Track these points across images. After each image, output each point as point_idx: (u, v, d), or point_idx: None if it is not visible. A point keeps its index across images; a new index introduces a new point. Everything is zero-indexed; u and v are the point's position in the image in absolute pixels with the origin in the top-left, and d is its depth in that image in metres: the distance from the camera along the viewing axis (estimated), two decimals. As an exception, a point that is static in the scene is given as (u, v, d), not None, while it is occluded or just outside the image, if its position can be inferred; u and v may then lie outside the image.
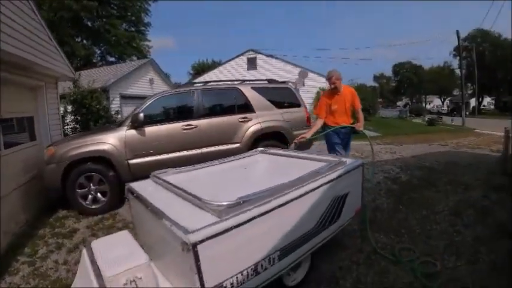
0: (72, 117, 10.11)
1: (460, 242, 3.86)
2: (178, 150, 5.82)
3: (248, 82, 7.07)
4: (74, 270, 3.51)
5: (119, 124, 5.94)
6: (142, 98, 17.12)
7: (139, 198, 2.72)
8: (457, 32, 26.56)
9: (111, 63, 27.57)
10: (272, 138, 6.50)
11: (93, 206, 5.49)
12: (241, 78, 13.17)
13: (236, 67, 23.37)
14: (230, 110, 6.46)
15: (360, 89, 17.78)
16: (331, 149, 5.19)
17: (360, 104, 5.25)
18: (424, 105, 55.80)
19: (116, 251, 2.37)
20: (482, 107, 51.35)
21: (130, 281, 2.10)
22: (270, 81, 7.39)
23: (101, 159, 5.45)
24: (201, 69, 44.71)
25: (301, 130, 6.89)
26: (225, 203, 2.12)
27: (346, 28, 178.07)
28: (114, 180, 5.52)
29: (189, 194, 2.43)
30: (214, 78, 22.06)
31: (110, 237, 2.81)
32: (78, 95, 9.71)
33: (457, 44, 29.30)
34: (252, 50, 22.82)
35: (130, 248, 2.41)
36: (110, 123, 10.12)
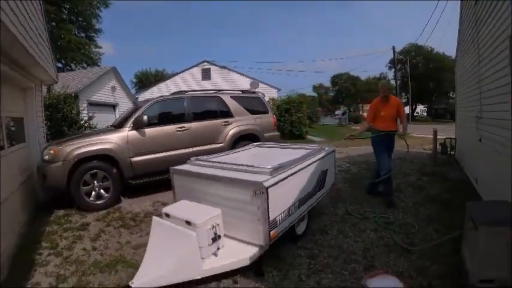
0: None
1: (404, 206, 5.54)
2: (174, 149, 6.86)
3: (227, 91, 8.35)
4: (107, 254, 4.20)
5: (119, 126, 6.76)
6: (106, 105, 17.61)
7: (194, 174, 3.88)
8: (393, 48, 30.37)
9: (59, 69, 26.71)
10: (248, 139, 7.81)
11: (97, 202, 6.06)
12: (198, 89, 14.19)
13: (190, 77, 24.32)
14: (214, 115, 7.72)
15: (302, 98, 19.67)
16: (377, 156, 5.84)
17: (404, 112, 5.96)
18: (361, 113, 59.91)
19: (191, 210, 3.46)
20: (415, 114, 56.46)
21: (213, 226, 3.23)
22: (243, 91, 8.78)
23: (106, 157, 6.16)
24: (144, 78, 44.08)
25: (270, 132, 8.42)
26: (270, 167, 3.44)
27: (294, 41, 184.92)
28: (117, 176, 6.26)
29: (243, 165, 3.73)
30: (171, 88, 22.95)
31: (176, 204, 3.84)
32: (54, 100, 10.02)
33: (392, 57, 32.83)
34: (207, 61, 24.07)
35: (200, 207, 3.54)
36: (82, 128, 10.58)
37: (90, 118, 11.50)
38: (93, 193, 6.07)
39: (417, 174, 7.77)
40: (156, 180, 6.68)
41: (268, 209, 3.13)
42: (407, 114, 50.74)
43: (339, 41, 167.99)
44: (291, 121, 17.82)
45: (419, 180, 7.12)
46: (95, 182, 6.07)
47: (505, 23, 3.94)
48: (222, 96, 7.97)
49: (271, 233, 3.23)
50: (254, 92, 9.13)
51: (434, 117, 49.35)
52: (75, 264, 3.95)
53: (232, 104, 7.95)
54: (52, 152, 5.83)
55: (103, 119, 14.07)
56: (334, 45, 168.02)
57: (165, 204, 6.12)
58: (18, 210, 5.09)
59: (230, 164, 3.93)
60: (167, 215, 3.46)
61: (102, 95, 17.48)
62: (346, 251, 3.97)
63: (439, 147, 10.06)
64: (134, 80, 48.33)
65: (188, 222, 3.19)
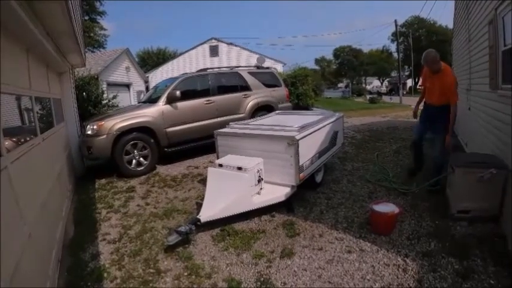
0: None
1: (402, 163, 6.62)
2: (202, 120, 7.91)
3: (244, 67, 9.35)
4: (160, 207, 5.05)
5: (154, 100, 7.72)
6: (121, 85, 18.60)
7: (237, 134, 4.96)
8: (395, 21, 31.00)
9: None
10: (264, 109, 8.95)
11: (138, 169, 6.98)
12: (207, 66, 15.05)
13: (200, 55, 25.23)
14: (235, 89, 8.78)
15: (307, 71, 20.35)
16: (415, 125, 5.55)
17: (455, 98, 4.59)
18: (364, 86, 60.32)
19: (239, 160, 4.50)
20: (418, 86, 56.89)
21: (258, 170, 4.35)
22: (258, 67, 9.79)
23: (144, 129, 7.07)
24: (146, 57, 44.38)
25: (283, 103, 9.52)
26: (298, 126, 4.53)
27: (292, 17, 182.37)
28: (154, 145, 7.21)
29: (275, 125, 4.86)
30: (180, 66, 23.88)
31: (225, 157, 4.84)
32: (80, 81, 10.75)
33: (395, 30, 33.41)
34: (214, 38, 24.90)
35: (245, 158, 4.60)
36: (105, 107, 11.51)
37: (114, 97, 12.38)
38: (134, 161, 6.96)
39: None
40: (186, 148, 7.78)
41: (298, 156, 4.23)
42: (410, 87, 51.44)
43: (342, 15, 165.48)
44: (297, 94, 18.54)
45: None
46: (135, 151, 6.95)
47: (487, 9, 4.86)
48: (241, 72, 9.03)
49: (300, 175, 4.36)
50: (268, 68, 10.17)
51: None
52: (135, 216, 4.76)
53: (250, 79, 9.02)
54: (96, 127, 6.65)
55: (120, 98, 15.00)
56: (338, 18, 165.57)
57: (197, 167, 7.29)
58: (67, 180, 5.76)
59: (264, 125, 5.09)
60: (220, 165, 4.50)
61: (117, 75, 18.60)
62: (355, 194, 5.10)
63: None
64: (136, 60, 48.63)
65: (240, 168, 4.24)
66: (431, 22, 49.74)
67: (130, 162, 6.95)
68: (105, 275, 3.33)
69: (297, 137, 4.23)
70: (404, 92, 35.12)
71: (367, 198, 4.89)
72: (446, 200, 4.33)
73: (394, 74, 58.02)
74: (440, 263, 3.13)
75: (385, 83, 63.00)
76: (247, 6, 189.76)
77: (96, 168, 7.52)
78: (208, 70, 8.79)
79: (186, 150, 7.84)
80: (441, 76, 4.65)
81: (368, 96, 36.30)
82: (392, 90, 47.95)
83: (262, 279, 3.08)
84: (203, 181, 5.79)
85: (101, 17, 31.55)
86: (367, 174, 5.97)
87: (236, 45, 24.88)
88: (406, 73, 55.13)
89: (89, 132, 6.74)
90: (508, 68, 4.01)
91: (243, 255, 3.52)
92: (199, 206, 4.56)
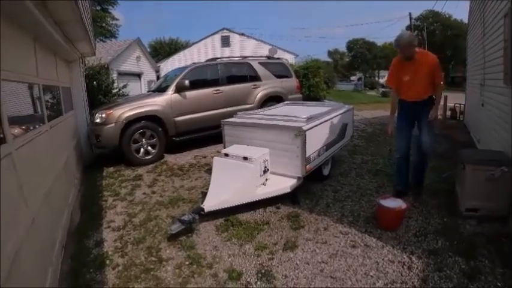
0: None
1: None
2: (210, 110, 7.86)
3: (254, 58, 9.29)
4: (166, 195, 5.05)
5: (163, 90, 7.71)
6: (132, 74, 18.69)
7: (245, 123, 4.92)
8: (410, 14, 30.54)
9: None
10: (274, 100, 8.79)
11: (146, 157, 6.99)
12: (218, 56, 14.97)
13: (210, 45, 25.24)
14: (244, 79, 8.70)
15: (319, 63, 20.10)
16: (397, 134, 4.49)
17: (441, 78, 4.15)
18: (377, 79, 59.40)
19: (245, 150, 4.46)
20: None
21: (264, 160, 4.29)
22: (269, 57, 9.70)
23: (153, 117, 7.07)
24: (158, 47, 44.29)
25: (294, 95, 9.39)
26: (305, 117, 4.45)
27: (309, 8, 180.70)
28: (162, 134, 7.21)
29: (283, 115, 4.78)
30: (192, 56, 23.90)
31: (231, 147, 4.80)
32: (90, 70, 10.70)
33: (409, 23, 32.86)
34: (226, 29, 24.86)
35: (251, 148, 4.55)
36: (115, 96, 11.52)
37: (124, 86, 12.41)
38: (142, 150, 6.98)
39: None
40: (195, 138, 7.76)
41: (305, 147, 4.17)
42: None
43: (342, 15, 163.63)
44: (309, 85, 18.39)
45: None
46: (143, 140, 6.97)
47: (503, 2, 4.69)
48: (251, 62, 8.95)
49: (307, 166, 4.30)
50: (279, 58, 10.05)
51: (450, 86, 49.11)
52: (140, 205, 4.77)
53: (260, 69, 8.93)
54: (104, 115, 6.67)
55: (130, 87, 15.05)
56: (338, 19, 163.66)
57: (204, 157, 7.26)
58: (74, 168, 5.80)
59: (271, 115, 5.03)
60: (226, 155, 4.47)
61: (128, 65, 18.75)
62: (362, 188, 5.01)
63: (448, 112, 10.89)
64: (148, 50, 48.56)
65: (245, 158, 4.20)
66: (446, 16, 48.74)
67: (138, 151, 6.96)
68: (108, 262, 3.34)
69: (304, 128, 4.17)
70: (418, 86, 34.45)
71: (374, 192, 4.80)
72: (456, 197, 4.22)
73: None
74: (446, 262, 3.04)
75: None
76: (247, 6, 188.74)
77: (105, 156, 7.56)
78: (217, 60, 8.74)
79: (194, 140, 7.81)
80: (419, 60, 4.03)
81: (380, 90, 35.84)
82: (406, 84, 47.01)
83: (263, 271, 3.04)
84: (210, 171, 5.68)
85: (113, 7, 31.47)
86: (377, 166, 5.93)
87: (248, 36, 24.77)
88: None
89: (98, 120, 6.75)
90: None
91: (245, 246, 3.48)
92: (204, 195, 4.50)
